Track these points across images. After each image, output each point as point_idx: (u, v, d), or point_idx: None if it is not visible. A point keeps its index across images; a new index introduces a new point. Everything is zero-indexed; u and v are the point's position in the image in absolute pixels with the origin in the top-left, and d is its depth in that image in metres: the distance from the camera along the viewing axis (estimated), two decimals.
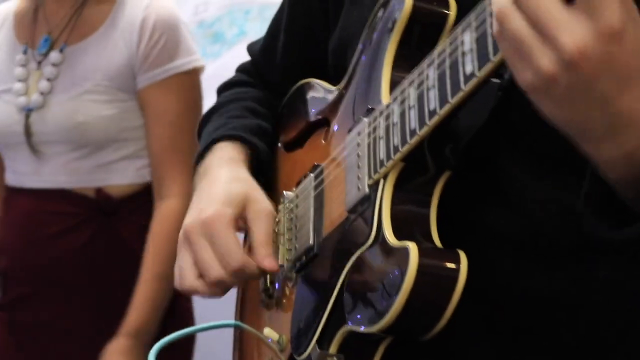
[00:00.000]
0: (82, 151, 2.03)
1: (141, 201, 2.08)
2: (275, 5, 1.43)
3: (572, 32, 0.77)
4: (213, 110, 1.39)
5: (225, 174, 1.24)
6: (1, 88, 2.10)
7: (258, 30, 2.76)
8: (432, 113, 0.95)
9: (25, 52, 2.10)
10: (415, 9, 1.06)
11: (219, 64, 2.84)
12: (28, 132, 2.03)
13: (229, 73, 1.46)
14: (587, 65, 0.78)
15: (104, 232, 2.06)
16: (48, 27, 2.09)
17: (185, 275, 1.19)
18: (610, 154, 0.84)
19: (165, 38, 2.04)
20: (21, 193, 2.09)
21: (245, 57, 1.46)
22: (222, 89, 1.44)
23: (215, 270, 1.16)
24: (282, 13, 1.39)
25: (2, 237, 2.12)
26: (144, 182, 2.09)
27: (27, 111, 2.04)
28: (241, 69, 1.47)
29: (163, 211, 2.03)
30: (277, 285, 1.25)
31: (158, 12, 2.05)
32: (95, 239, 2.05)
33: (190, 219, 1.21)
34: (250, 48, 1.46)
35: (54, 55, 2.06)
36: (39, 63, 2.08)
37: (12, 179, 2.11)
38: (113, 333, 2.03)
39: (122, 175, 2.06)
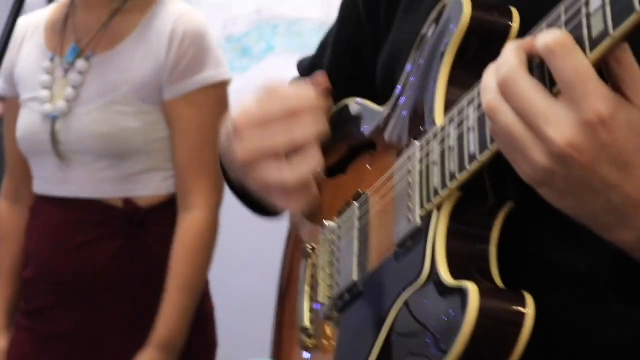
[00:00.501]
0: (106, 161, 2.03)
1: (167, 211, 2.08)
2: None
3: (560, 124, 0.76)
4: None
5: None
6: (29, 96, 2.10)
7: (286, 45, 2.88)
8: None
9: (52, 60, 2.09)
10: (473, 21, 0.95)
11: (247, 78, 2.92)
12: (54, 139, 2.02)
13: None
14: (580, 156, 0.76)
15: (131, 242, 2.06)
16: (76, 36, 2.09)
17: (266, 171, 1.06)
18: (626, 239, 0.82)
19: (193, 50, 2.03)
20: (48, 201, 2.09)
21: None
22: None
23: (283, 128, 1.03)
24: (332, 29, 1.31)
25: (28, 246, 2.13)
26: (169, 194, 2.09)
27: (53, 119, 2.03)
28: None
29: (189, 222, 2.04)
30: (317, 325, 1.14)
31: (187, 24, 2.04)
32: (123, 249, 2.05)
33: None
34: (300, 64, 1.36)
35: (80, 63, 2.05)
36: (66, 71, 2.06)
37: (39, 186, 2.11)
38: (139, 343, 2.03)
39: (147, 186, 2.06)
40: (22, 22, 2.15)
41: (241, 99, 1.11)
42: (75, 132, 2.02)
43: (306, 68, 1.34)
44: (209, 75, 2.04)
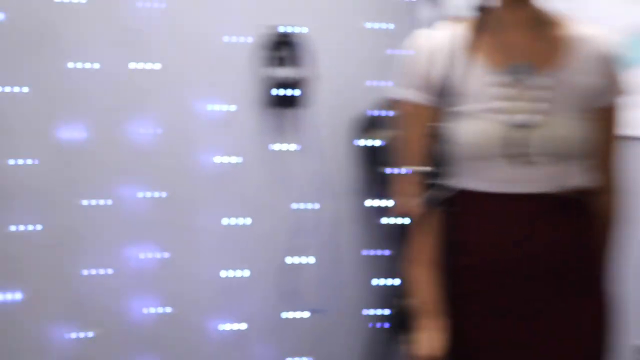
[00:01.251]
0: (562, 161, 2.38)
1: (586, 196, 2.44)
2: None
3: None
4: None
5: None
6: (480, 107, 2.40)
7: None
8: None
9: (504, 76, 2.40)
10: None
11: None
12: (522, 146, 2.36)
13: None
14: None
15: (577, 224, 2.41)
16: (518, 54, 2.41)
17: None
18: None
19: (618, 67, 2.45)
20: (494, 197, 2.40)
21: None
22: None
23: None
24: None
25: (466, 236, 2.41)
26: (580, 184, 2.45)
27: (521, 127, 2.37)
28: None
29: (621, 201, 2.50)
30: None
31: (613, 46, 2.45)
32: (571, 232, 2.40)
33: None
34: None
35: (545, 80, 2.40)
36: (523, 86, 2.39)
37: (482, 185, 2.41)
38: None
39: (573, 180, 2.40)
40: (433, 35, 2.47)
41: None
42: (550, 139, 2.36)
43: None
44: (624, 83, 2.46)
